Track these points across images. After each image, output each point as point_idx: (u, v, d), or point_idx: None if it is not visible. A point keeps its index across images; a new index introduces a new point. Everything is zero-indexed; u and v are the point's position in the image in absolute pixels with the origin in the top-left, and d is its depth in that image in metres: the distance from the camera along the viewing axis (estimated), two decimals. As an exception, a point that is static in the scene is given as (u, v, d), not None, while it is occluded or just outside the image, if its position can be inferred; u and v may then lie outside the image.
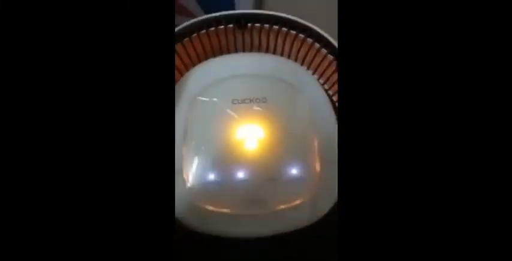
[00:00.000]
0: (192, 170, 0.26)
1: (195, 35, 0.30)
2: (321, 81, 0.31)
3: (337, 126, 0.26)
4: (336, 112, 0.28)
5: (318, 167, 0.26)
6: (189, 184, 0.25)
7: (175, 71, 0.29)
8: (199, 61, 0.30)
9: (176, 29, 0.29)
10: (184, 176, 0.26)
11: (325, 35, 0.29)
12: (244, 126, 0.26)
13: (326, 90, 0.30)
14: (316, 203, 0.26)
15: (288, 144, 0.26)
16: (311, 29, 0.29)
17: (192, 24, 0.29)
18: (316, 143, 0.26)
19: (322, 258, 0.27)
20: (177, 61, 0.30)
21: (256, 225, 0.26)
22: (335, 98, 0.30)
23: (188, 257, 0.26)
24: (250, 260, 0.27)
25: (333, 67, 0.30)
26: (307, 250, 0.27)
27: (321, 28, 0.29)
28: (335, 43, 0.29)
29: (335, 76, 0.30)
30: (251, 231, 0.26)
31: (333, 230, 0.19)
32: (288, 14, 0.30)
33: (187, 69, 0.30)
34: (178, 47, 0.29)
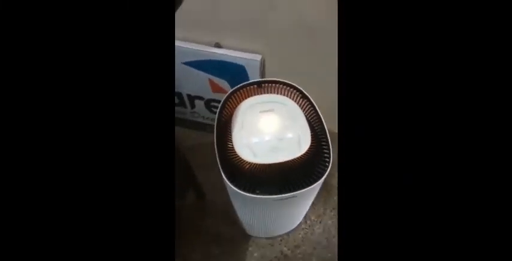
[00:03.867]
0: (247, 137, 0.64)
1: (243, 89, 0.71)
2: (296, 103, 0.72)
3: (303, 116, 0.65)
4: (305, 115, 0.67)
5: (295, 135, 0.64)
6: (245, 141, 0.63)
7: (238, 103, 0.70)
8: (246, 98, 0.71)
9: (236, 87, 0.70)
10: (244, 140, 0.63)
11: (298, 86, 0.71)
12: (266, 120, 0.65)
13: (299, 106, 0.70)
14: (300, 146, 0.63)
15: (284, 125, 0.65)
16: (288, 84, 0.71)
17: (241, 85, 0.71)
18: (293, 125, 0.65)
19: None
20: (237, 98, 0.71)
21: (274, 157, 0.62)
22: (304, 110, 0.70)
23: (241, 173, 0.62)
24: (271, 173, 0.63)
25: (301, 100, 0.71)
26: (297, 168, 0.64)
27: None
28: (301, 89, 0.70)
29: (301, 103, 0.71)
30: (273, 160, 0.62)
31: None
32: (278, 78, 0.72)
33: (240, 101, 0.70)
34: (237, 93, 0.71)
